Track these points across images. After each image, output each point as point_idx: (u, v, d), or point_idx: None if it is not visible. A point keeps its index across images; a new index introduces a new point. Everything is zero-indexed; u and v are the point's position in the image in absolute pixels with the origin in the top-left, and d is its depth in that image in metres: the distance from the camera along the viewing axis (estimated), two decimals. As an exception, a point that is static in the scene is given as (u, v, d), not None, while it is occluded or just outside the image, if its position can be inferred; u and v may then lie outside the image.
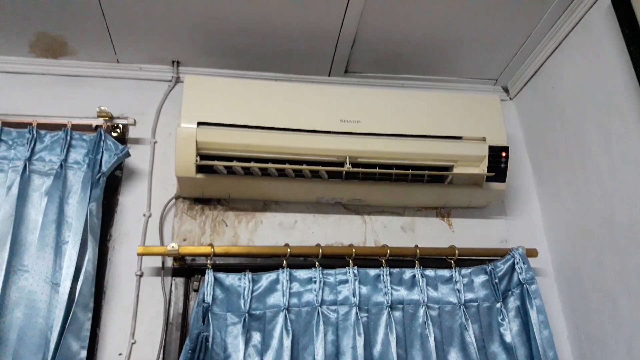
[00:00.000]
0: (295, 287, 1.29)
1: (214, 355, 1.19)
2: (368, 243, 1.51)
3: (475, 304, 1.36)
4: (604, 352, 1.31)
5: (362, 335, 1.24)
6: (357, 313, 1.26)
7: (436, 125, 1.41)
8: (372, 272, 1.34)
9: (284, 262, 1.31)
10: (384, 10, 1.44)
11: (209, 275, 1.25)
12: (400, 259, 1.39)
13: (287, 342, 1.21)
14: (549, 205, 1.60)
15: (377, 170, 1.38)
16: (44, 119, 1.42)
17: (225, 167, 1.34)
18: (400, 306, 1.32)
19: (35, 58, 1.58)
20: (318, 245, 1.36)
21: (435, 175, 1.42)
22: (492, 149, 1.41)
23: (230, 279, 1.27)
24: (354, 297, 1.29)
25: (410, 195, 1.51)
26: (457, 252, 1.40)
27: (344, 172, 1.38)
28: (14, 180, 1.30)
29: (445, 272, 1.38)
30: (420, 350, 1.28)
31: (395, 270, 1.35)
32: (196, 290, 1.37)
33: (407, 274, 1.36)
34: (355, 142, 1.36)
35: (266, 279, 1.29)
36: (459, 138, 1.41)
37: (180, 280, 1.37)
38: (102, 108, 1.45)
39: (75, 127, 1.41)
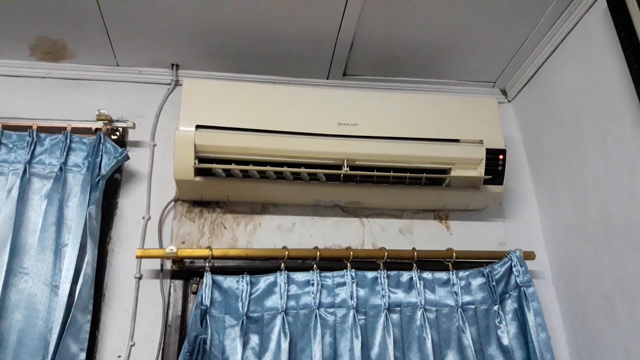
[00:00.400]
0: (293, 289, 1.30)
1: (212, 358, 1.20)
2: (366, 246, 1.51)
3: (473, 306, 1.36)
4: (601, 355, 1.31)
5: (360, 338, 1.24)
6: (354, 316, 1.27)
7: (434, 128, 1.42)
8: (370, 274, 1.34)
9: (282, 264, 1.31)
10: (381, 13, 1.44)
11: (207, 278, 1.26)
12: (397, 262, 1.40)
13: (284, 345, 1.21)
14: (547, 207, 1.60)
15: (375, 173, 1.38)
16: (44, 122, 1.44)
17: (224, 170, 1.34)
18: (398, 309, 1.32)
19: (35, 61, 1.59)
20: (316, 248, 1.37)
21: (432, 178, 1.43)
22: (489, 151, 1.41)
23: (228, 281, 1.28)
24: (351, 299, 1.29)
25: (408, 198, 1.51)
26: (454, 254, 1.40)
27: (341, 175, 1.38)
28: (14, 183, 1.31)
29: (442, 275, 1.38)
30: (417, 353, 1.28)
31: (392, 273, 1.36)
32: (195, 293, 1.38)
33: (405, 276, 1.36)
34: (353, 144, 1.36)
35: (264, 281, 1.29)
36: (457, 141, 1.42)
37: (179, 283, 1.38)
38: (102, 111, 1.46)
39: (75, 130, 1.42)
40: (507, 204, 1.65)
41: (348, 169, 1.36)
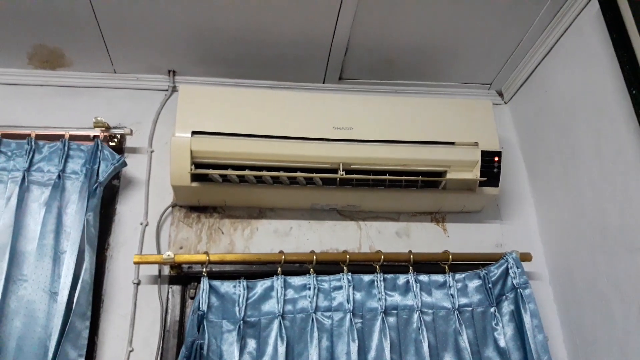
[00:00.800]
0: (290, 293, 1.30)
1: (209, 362, 1.21)
2: (363, 249, 1.52)
3: (469, 308, 1.36)
4: (598, 356, 1.31)
5: (357, 341, 1.24)
6: (351, 319, 1.27)
7: (429, 131, 1.42)
8: (366, 278, 1.35)
9: (279, 269, 1.32)
10: (375, 17, 1.45)
11: (204, 283, 1.27)
12: (394, 265, 1.40)
13: (281, 349, 1.22)
14: (543, 209, 1.60)
15: (371, 176, 1.39)
16: (42, 130, 1.45)
17: (220, 175, 1.35)
18: (395, 312, 1.33)
19: (33, 70, 1.61)
20: (312, 252, 1.37)
21: (428, 180, 1.43)
22: (484, 153, 1.42)
23: (225, 286, 1.28)
24: (348, 303, 1.30)
25: (404, 201, 1.52)
26: (450, 257, 1.40)
27: (338, 179, 1.39)
28: (13, 191, 1.32)
29: (439, 277, 1.38)
30: (414, 356, 1.28)
31: (389, 276, 1.36)
32: (192, 298, 1.39)
33: (401, 279, 1.36)
34: (348, 148, 1.37)
35: (261, 286, 1.30)
36: (452, 143, 1.42)
37: (177, 288, 1.39)
38: (99, 118, 1.47)
39: (73, 138, 1.44)
40: (504, 205, 1.65)
41: (344, 172, 1.36)
